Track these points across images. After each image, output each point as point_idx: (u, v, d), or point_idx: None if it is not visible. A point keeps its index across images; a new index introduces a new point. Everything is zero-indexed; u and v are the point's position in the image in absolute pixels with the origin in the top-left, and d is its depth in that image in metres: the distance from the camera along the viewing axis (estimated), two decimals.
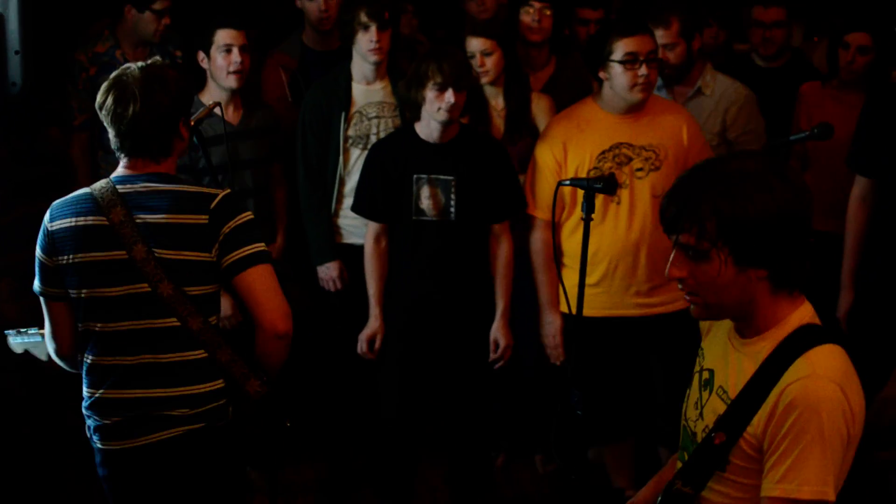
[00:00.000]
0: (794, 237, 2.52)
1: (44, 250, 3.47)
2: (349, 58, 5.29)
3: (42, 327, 3.84)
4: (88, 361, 3.50)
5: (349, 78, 5.28)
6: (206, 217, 3.39)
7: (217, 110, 4.18)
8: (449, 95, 4.64)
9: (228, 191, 3.50)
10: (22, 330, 4.00)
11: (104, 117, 3.44)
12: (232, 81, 5.15)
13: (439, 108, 4.68)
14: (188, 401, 3.44)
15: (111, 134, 3.45)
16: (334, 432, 5.73)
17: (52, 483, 5.44)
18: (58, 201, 3.51)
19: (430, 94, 4.67)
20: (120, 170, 3.48)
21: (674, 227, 2.59)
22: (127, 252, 3.36)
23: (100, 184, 3.47)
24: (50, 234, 3.45)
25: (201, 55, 5.21)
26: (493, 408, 5.20)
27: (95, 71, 5.65)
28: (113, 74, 3.46)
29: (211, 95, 5.12)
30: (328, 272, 5.30)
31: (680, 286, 2.66)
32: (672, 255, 2.63)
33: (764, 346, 2.61)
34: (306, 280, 5.41)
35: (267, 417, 3.57)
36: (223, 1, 6.19)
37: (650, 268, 4.71)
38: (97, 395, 3.49)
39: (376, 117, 5.27)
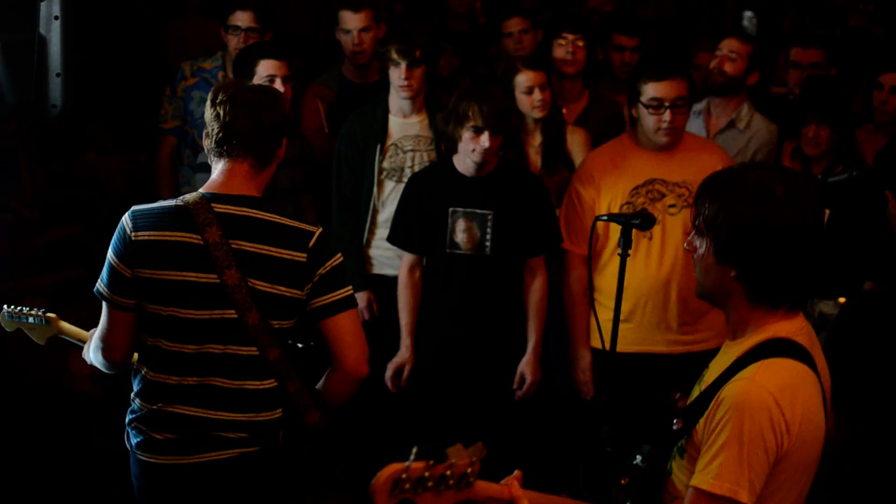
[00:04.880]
0: (777, 249, 2.59)
1: (122, 259, 3.37)
2: (387, 90, 5.32)
3: (48, 313, 3.84)
4: (148, 377, 3.46)
5: (386, 110, 5.30)
6: (305, 256, 3.39)
7: None
8: (484, 139, 4.64)
9: (321, 229, 3.49)
10: (18, 308, 3.98)
11: (211, 118, 3.41)
12: None
13: (474, 150, 4.69)
14: (248, 426, 3.43)
15: (213, 138, 3.41)
16: (360, 463, 5.70)
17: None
18: (141, 208, 3.42)
19: (466, 133, 4.67)
20: (214, 184, 3.43)
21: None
22: (218, 276, 3.32)
23: (192, 197, 3.40)
24: (133, 244, 3.35)
25: None
26: (519, 442, 5.16)
27: (195, 83, 5.79)
28: (223, 92, 3.44)
29: None
30: (358, 303, 5.29)
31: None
32: None
33: (737, 350, 2.69)
34: None
35: (317, 447, 3.59)
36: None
37: (681, 305, 4.69)
38: (152, 409, 3.45)
39: (412, 150, 5.29)
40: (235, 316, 3.35)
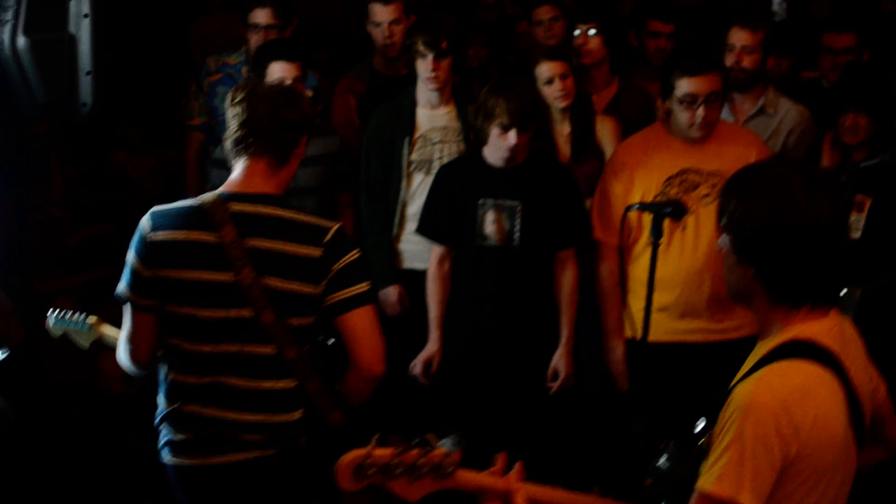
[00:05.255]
0: (792, 248, 2.55)
1: (142, 259, 3.39)
2: (415, 82, 5.29)
3: (90, 315, 3.83)
4: (170, 378, 3.47)
5: (413, 102, 5.28)
6: (320, 251, 3.37)
7: None
8: (512, 136, 4.63)
9: (341, 224, 3.48)
10: (63, 313, 3.98)
11: (230, 117, 3.42)
12: None
13: (501, 146, 4.68)
14: (264, 428, 3.42)
15: (234, 136, 3.42)
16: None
17: None
18: (160, 209, 3.44)
19: (494, 129, 4.66)
20: (232, 183, 3.44)
21: None
22: (234, 275, 3.32)
23: (209, 197, 3.41)
24: (151, 244, 3.37)
25: None
26: (550, 437, 5.12)
27: (219, 78, 5.79)
28: (244, 90, 3.46)
29: None
30: (388, 296, 5.28)
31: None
32: None
33: (762, 350, 2.64)
34: None
35: (341, 448, 3.58)
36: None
37: (715, 294, 4.64)
38: (173, 408, 3.46)
39: (440, 142, 5.26)
40: (250, 315, 3.34)
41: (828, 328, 2.61)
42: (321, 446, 3.51)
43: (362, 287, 3.43)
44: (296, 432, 3.48)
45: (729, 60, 5.32)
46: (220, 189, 3.45)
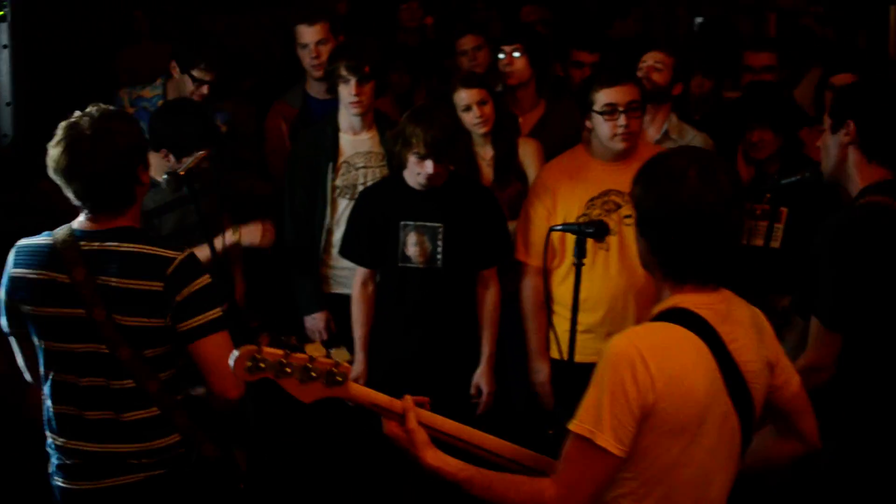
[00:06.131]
0: (681, 231, 2.72)
1: (6, 291, 3.46)
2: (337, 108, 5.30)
3: None
4: (51, 409, 3.49)
5: (336, 128, 5.28)
6: (161, 284, 3.35)
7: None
8: (428, 165, 4.64)
9: (189, 252, 3.44)
10: None
11: (58, 176, 3.36)
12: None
13: (418, 174, 4.70)
14: (149, 453, 3.44)
15: (71, 191, 3.38)
16: (311, 484, 5.65)
17: None
18: (23, 244, 3.47)
19: (411, 157, 4.67)
20: (83, 222, 3.43)
21: None
22: (87, 314, 3.33)
23: (62, 234, 3.41)
24: (12, 279, 3.44)
25: None
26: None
27: (133, 112, 5.60)
28: (62, 132, 3.38)
29: None
30: (315, 322, 5.27)
31: None
32: None
33: (647, 317, 2.84)
34: (276, 329, 5.34)
35: (221, 479, 3.60)
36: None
37: (639, 314, 4.67)
38: (59, 443, 3.48)
39: (364, 167, 5.27)
40: (108, 351, 3.35)
41: (708, 302, 2.76)
42: (209, 469, 3.55)
43: (212, 314, 3.41)
44: (180, 450, 3.49)
45: (639, 73, 5.39)
46: (74, 224, 3.44)
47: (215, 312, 3.42)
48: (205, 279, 3.43)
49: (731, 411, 2.75)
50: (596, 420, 2.62)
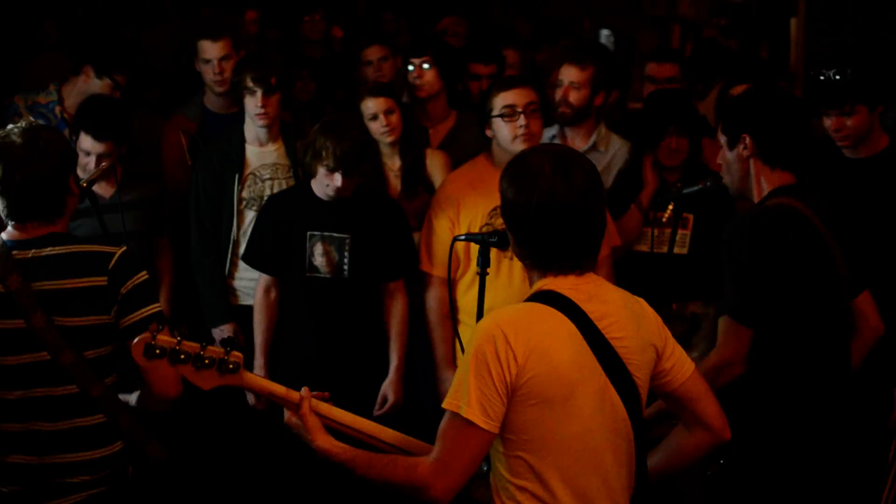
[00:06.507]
0: (534, 223, 2.85)
1: None
2: (245, 120, 5.29)
3: None
4: None
5: (242, 140, 5.28)
6: (105, 279, 3.37)
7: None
8: (337, 178, 4.66)
9: (125, 248, 3.47)
10: None
11: None
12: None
13: (328, 185, 4.72)
14: (88, 466, 3.41)
15: (2, 201, 3.37)
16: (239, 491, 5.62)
17: None
18: None
19: (321, 169, 4.69)
20: (13, 232, 3.41)
21: None
22: (25, 321, 3.30)
23: None
24: None
25: None
26: None
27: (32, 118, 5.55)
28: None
29: None
30: (223, 335, 5.24)
31: None
32: None
33: None
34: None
35: (167, 479, 3.56)
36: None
37: None
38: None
39: (270, 179, 5.27)
40: (49, 358, 3.33)
41: (572, 284, 2.88)
42: (149, 478, 3.54)
43: (154, 307, 3.44)
44: (121, 463, 3.49)
45: (557, 95, 5.41)
46: (5, 236, 3.42)
47: (157, 306, 3.45)
48: (144, 274, 3.46)
49: (607, 386, 2.85)
50: (463, 395, 2.74)
